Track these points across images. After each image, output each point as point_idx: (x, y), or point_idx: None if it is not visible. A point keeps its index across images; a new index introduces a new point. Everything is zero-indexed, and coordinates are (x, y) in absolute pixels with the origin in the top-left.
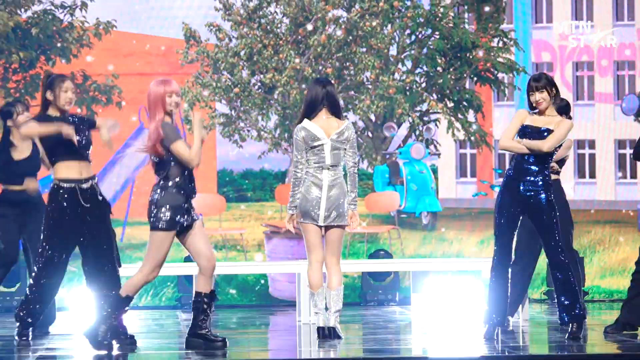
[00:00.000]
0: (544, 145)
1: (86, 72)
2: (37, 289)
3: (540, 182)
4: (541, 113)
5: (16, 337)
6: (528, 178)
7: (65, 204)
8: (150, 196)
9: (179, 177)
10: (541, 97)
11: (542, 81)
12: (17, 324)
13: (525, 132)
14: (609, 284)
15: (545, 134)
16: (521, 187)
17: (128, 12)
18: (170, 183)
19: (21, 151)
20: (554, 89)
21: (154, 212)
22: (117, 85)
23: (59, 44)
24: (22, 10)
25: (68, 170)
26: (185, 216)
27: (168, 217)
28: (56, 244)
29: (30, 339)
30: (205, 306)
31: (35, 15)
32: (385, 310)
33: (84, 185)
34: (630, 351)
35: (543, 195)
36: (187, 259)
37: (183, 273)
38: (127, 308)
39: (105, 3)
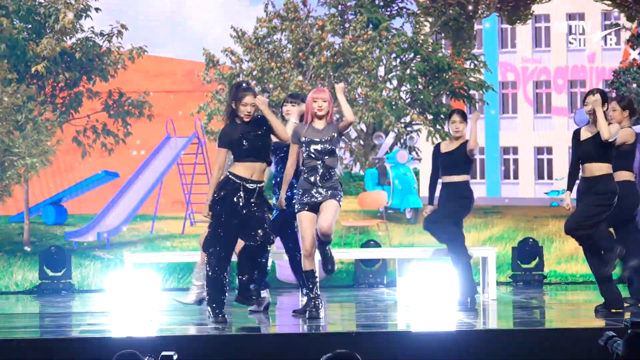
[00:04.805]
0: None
1: (122, 90)
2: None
3: None
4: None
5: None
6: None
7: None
8: None
9: None
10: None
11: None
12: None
13: None
14: (564, 269)
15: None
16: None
17: (157, 39)
18: None
19: None
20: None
21: None
22: (148, 101)
23: (98, 66)
24: (68, 37)
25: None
26: None
27: None
28: None
29: None
30: None
31: (79, 42)
32: (374, 292)
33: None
34: (580, 325)
35: None
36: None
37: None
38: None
39: (137, 31)
